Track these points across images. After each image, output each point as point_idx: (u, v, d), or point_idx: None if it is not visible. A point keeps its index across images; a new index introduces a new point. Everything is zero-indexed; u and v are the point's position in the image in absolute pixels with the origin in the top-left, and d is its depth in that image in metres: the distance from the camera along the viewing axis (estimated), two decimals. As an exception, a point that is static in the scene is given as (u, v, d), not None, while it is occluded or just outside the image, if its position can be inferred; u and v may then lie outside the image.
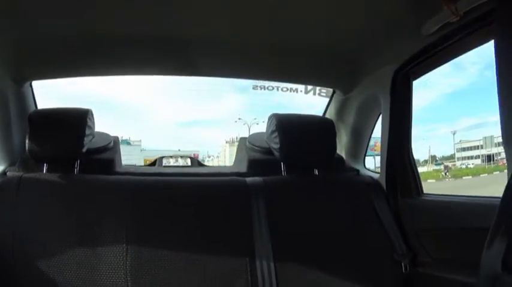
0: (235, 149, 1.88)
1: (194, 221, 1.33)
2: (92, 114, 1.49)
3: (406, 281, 1.32)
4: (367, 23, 1.21)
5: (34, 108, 1.64)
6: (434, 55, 1.22)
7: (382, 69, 1.41)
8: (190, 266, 1.26)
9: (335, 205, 1.42)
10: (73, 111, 1.47)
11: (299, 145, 1.49)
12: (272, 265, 1.28)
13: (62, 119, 1.43)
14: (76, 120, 1.42)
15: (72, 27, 1.26)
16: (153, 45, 1.39)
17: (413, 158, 1.41)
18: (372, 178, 1.55)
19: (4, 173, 1.51)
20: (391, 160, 1.42)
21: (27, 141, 1.37)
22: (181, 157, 1.89)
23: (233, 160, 1.86)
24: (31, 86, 1.62)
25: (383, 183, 1.46)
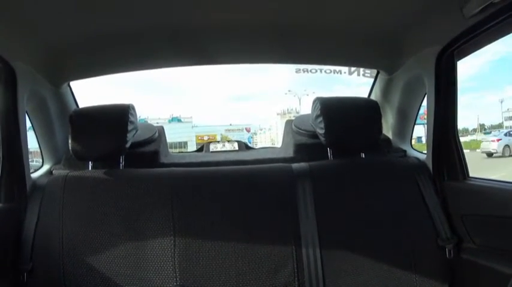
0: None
1: (240, 210, 1.36)
2: (134, 109, 1.48)
3: (449, 268, 1.30)
4: (407, 3, 1.19)
5: (75, 107, 1.68)
6: (479, 36, 1.17)
7: (426, 50, 1.37)
8: (236, 255, 1.30)
9: (381, 190, 1.40)
10: (113, 108, 1.48)
11: (344, 130, 1.47)
12: (318, 252, 1.30)
13: (103, 118, 1.44)
14: (117, 118, 1.42)
15: (105, 26, 1.30)
16: (187, 37, 1.41)
17: (459, 140, 1.38)
18: (418, 159, 1.53)
19: (50, 172, 1.58)
20: (438, 142, 1.40)
21: (69, 141, 1.38)
22: (228, 141, 1.92)
23: None
24: (69, 86, 1.66)
25: (429, 165, 1.44)
